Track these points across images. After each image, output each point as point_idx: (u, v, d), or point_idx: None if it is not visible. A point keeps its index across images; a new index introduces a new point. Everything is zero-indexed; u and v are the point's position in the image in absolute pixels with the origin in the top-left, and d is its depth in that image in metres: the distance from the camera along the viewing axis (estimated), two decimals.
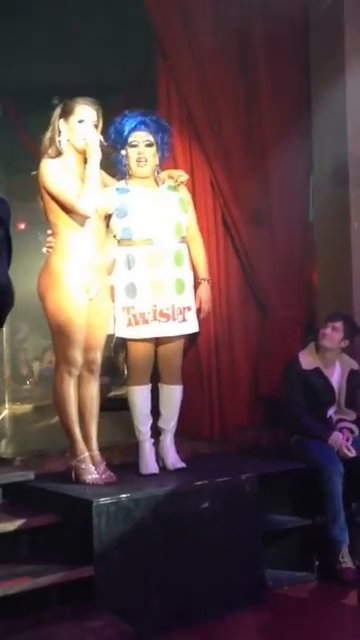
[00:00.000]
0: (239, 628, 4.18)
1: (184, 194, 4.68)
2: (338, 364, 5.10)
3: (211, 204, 5.36)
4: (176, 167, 4.95)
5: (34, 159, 4.35)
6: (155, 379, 4.68)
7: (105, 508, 3.98)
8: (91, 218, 4.25)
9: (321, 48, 5.74)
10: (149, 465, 4.56)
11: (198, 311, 4.69)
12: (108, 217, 4.46)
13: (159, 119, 4.71)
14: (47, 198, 4.24)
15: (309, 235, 5.84)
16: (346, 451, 4.87)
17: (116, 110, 4.65)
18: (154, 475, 4.53)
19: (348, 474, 4.79)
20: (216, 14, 5.40)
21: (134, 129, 4.54)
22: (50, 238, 4.29)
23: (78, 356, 4.27)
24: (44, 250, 4.31)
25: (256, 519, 4.48)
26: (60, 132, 4.27)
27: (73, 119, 4.25)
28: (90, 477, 4.27)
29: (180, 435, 4.81)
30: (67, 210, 4.22)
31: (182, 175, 4.67)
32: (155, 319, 4.49)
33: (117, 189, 4.53)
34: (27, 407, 7.04)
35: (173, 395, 4.68)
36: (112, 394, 6.17)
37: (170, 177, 4.65)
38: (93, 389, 4.40)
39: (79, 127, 4.24)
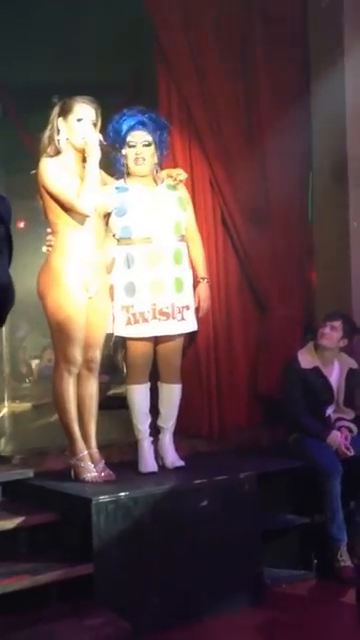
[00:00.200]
0: (238, 626, 4.17)
1: (183, 193, 4.68)
2: (337, 363, 5.11)
3: (210, 203, 5.36)
4: (176, 166, 4.95)
5: (34, 158, 4.35)
6: (154, 378, 4.69)
7: (104, 506, 3.98)
8: (90, 217, 4.25)
9: (321, 48, 5.74)
10: (148, 463, 4.57)
11: (197, 310, 4.69)
12: (107, 216, 4.45)
13: (157, 117, 4.71)
14: (46, 197, 4.24)
15: (308, 234, 5.85)
16: (345, 450, 4.88)
17: (116, 110, 4.64)
18: (153, 473, 4.53)
19: (347, 473, 4.80)
20: (216, 14, 5.40)
21: (132, 129, 4.54)
22: (50, 237, 4.29)
23: (77, 354, 4.27)
24: (44, 249, 4.32)
25: (255, 518, 4.48)
26: (59, 131, 4.26)
27: (72, 118, 4.25)
28: (89, 475, 4.28)
29: (179, 434, 4.81)
30: (66, 209, 4.22)
31: (181, 174, 4.67)
32: (154, 318, 4.49)
33: (116, 188, 4.52)
34: (26, 405, 7.02)
35: (172, 394, 4.68)
36: (111, 392, 6.16)
37: (169, 176, 4.64)
38: (92, 387, 4.41)
39: (78, 126, 4.24)
